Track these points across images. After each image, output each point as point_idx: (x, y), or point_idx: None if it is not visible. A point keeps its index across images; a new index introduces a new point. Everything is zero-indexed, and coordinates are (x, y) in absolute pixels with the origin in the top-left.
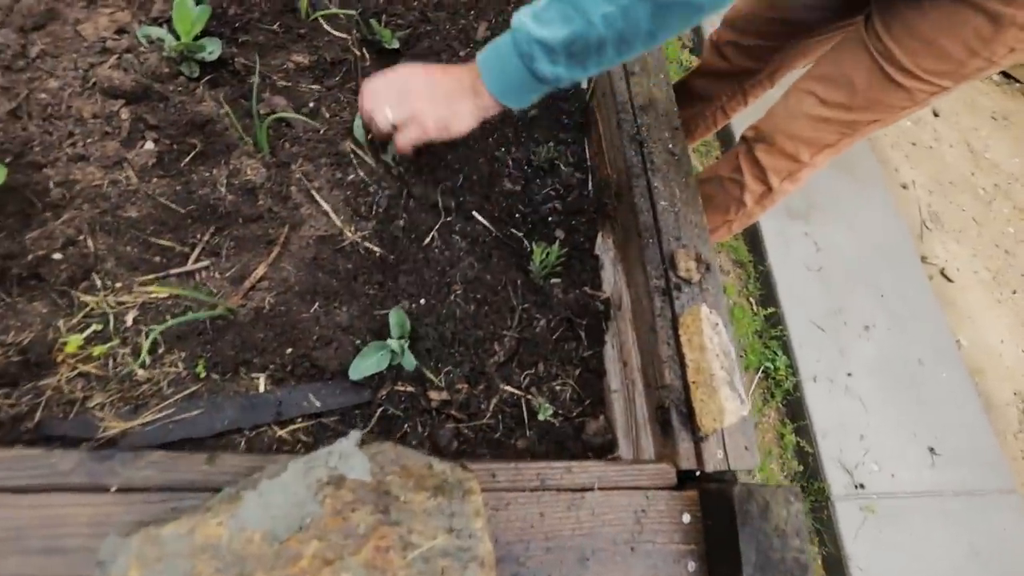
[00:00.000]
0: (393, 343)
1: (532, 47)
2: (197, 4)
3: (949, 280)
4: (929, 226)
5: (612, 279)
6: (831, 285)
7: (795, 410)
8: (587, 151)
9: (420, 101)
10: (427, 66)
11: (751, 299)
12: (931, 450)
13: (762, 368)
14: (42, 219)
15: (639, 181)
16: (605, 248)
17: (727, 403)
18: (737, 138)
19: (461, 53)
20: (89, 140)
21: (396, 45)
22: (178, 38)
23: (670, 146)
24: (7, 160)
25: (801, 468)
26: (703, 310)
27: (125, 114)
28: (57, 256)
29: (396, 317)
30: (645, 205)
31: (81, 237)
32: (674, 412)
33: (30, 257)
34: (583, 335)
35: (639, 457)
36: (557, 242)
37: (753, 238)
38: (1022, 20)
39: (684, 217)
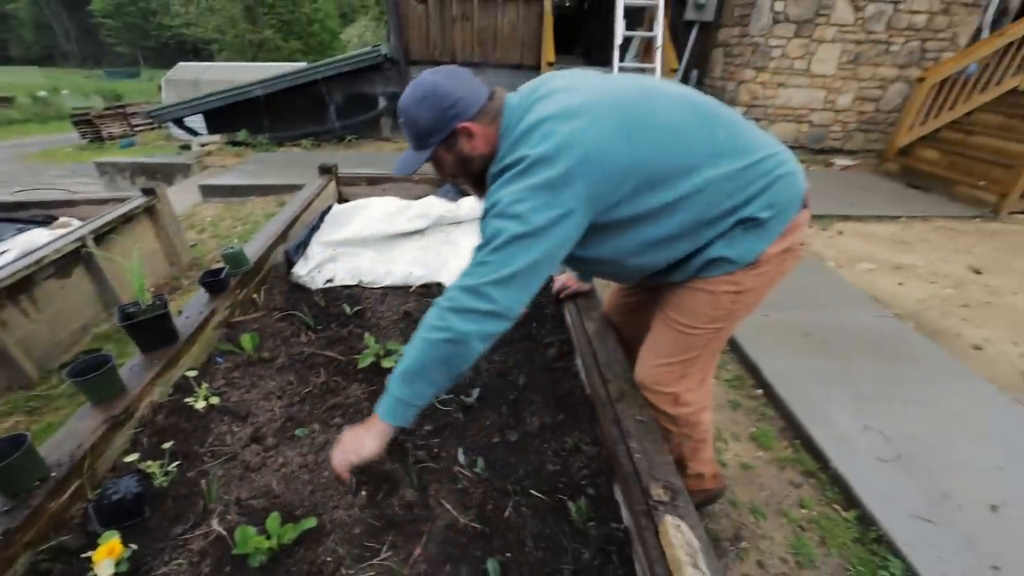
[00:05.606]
0: None
1: (389, 379)
2: None
3: None
4: None
5: (626, 516)
6: (917, 471)
7: None
8: (599, 434)
9: (343, 441)
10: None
11: (835, 505)
12: None
13: None
14: None
15: (619, 447)
16: (618, 492)
17: None
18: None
19: None
20: None
21: None
22: None
23: (639, 418)
24: None
25: None
26: (668, 519)
27: None
28: None
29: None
30: (627, 462)
31: None
32: None
33: None
34: (616, 559)
35: None
36: (587, 499)
37: (808, 446)
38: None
39: (653, 460)
